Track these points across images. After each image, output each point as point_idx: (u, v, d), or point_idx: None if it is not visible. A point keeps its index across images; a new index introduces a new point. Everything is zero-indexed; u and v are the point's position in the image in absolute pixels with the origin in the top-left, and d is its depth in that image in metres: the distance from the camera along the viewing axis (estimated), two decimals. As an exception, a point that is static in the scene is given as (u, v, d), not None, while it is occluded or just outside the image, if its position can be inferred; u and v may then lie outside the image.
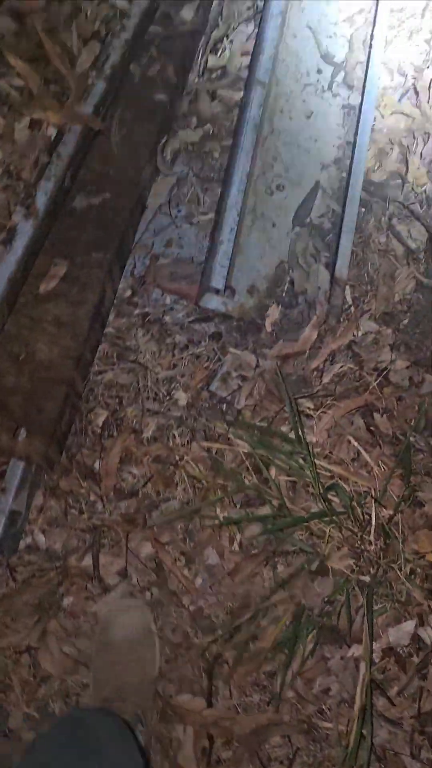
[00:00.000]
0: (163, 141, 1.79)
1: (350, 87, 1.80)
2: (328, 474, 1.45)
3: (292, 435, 1.46)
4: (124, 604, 1.41)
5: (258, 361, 1.58)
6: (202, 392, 1.59)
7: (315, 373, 1.57)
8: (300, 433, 1.42)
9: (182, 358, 1.64)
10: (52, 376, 1.44)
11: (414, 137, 1.70)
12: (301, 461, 1.45)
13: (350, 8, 1.89)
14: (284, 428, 1.51)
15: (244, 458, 1.49)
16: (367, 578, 1.38)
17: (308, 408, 1.53)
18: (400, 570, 1.38)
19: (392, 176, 1.68)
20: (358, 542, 1.41)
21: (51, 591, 1.43)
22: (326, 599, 1.37)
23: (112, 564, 1.46)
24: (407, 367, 1.56)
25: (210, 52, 1.87)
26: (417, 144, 1.69)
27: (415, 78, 1.79)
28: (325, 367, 1.57)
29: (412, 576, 1.39)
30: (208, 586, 1.44)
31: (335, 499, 1.45)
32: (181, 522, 1.48)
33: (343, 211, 1.58)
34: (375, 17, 1.81)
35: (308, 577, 1.39)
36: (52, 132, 1.64)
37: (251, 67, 1.73)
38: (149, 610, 1.40)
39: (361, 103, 1.69)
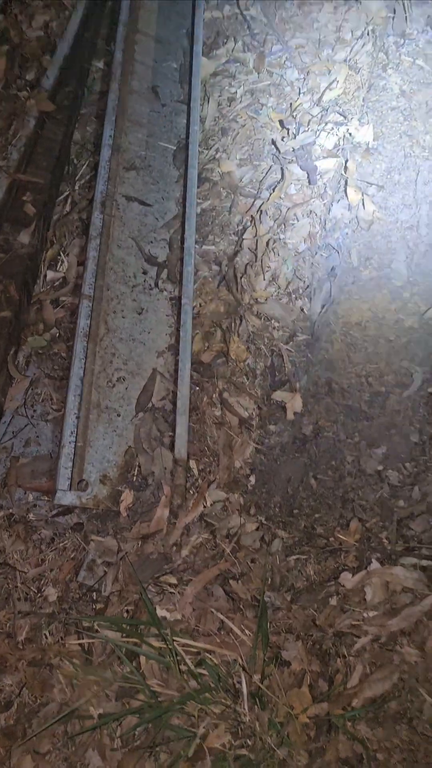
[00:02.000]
0: (13, 351, 1.96)
1: (174, 282, 2.06)
2: (194, 651, 1.51)
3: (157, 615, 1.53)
4: None
5: (119, 545, 1.67)
6: (71, 584, 1.65)
7: (174, 548, 1.67)
8: (154, 617, 1.49)
9: (49, 552, 1.71)
10: None
11: (232, 318, 1.96)
12: (170, 646, 1.51)
13: (166, 216, 2.21)
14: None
15: (113, 649, 1.53)
16: (244, 752, 1.41)
17: (170, 584, 1.61)
18: (277, 735, 1.42)
19: (218, 355, 1.91)
20: (233, 715, 1.45)
21: None
22: (207, 784, 1.38)
23: (-8, 790, 1.42)
24: (257, 529, 1.69)
25: (49, 267, 2.11)
26: (235, 324, 1.94)
27: (227, 267, 2.08)
28: (182, 540, 1.68)
29: (289, 739, 1.43)
30: (93, 793, 1.42)
31: (208, 675, 1.50)
32: (62, 726, 1.48)
33: (175, 394, 1.77)
34: (183, 221, 2.11)
35: (188, 763, 1.41)
36: None
37: (81, 281, 1.96)
38: None
39: (180, 295, 1.94)
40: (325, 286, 2.16)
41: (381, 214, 2.40)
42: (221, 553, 1.65)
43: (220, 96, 2.56)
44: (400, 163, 2.56)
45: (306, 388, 2.01)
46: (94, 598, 1.64)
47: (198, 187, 2.30)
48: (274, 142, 2.30)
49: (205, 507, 1.70)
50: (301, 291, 2.08)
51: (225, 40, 2.71)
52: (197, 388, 1.85)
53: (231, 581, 1.60)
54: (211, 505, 1.70)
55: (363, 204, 2.38)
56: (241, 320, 1.92)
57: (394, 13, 2.87)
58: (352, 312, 2.19)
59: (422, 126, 2.68)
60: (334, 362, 2.10)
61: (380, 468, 1.86)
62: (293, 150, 2.27)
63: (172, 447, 1.72)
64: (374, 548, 1.64)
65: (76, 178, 2.35)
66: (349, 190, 2.33)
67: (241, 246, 2.09)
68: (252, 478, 1.79)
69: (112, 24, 2.64)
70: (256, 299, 1.96)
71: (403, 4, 2.92)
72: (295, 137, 2.29)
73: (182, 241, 2.04)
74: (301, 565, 1.64)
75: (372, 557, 1.60)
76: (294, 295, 2.04)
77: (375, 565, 1.58)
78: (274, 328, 1.97)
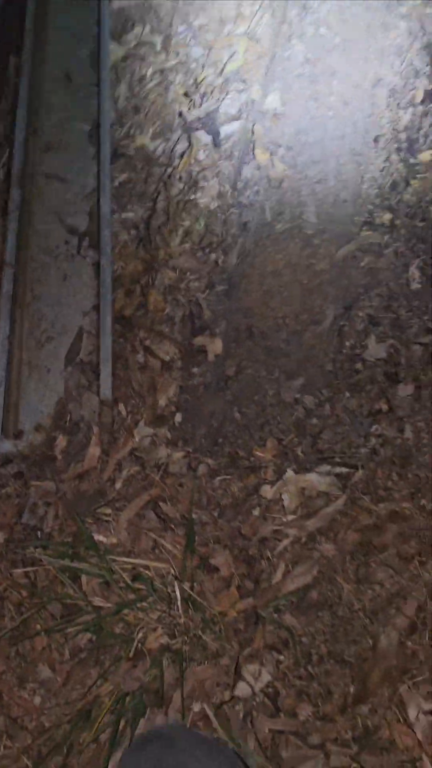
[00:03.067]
0: None
1: (95, 248, 2.20)
2: (130, 567, 1.65)
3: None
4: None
5: (57, 486, 1.80)
6: (15, 526, 1.78)
7: (108, 483, 1.81)
8: (90, 539, 1.63)
9: (-6, 501, 1.84)
10: None
11: (149, 274, 2.10)
12: (106, 564, 1.65)
13: (85, 190, 2.35)
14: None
15: (57, 575, 1.66)
16: (177, 644, 1.55)
17: (106, 514, 1.75)
18: (210, 631, 1.56)
19: (138, 308, 2.05)
20: (168, 619, 1.59)
21: None
22: (145, 676, 1.52)
23: None
24: (184, 457, 1.83)
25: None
26: (152, 279, 2.08)
27: (143, 229, 2.23)
28: (115, 475, 1.81)
29: (221, 632, 1.57)
30: (46, 701, 1.55)
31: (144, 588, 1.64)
32: (14, 647, 1.61)
33: (99, 344, 1.91)
34: (99, 193, 2.26)
35: (129, 664, 1.54)
36: None
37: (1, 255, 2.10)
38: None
39: (100, 259, 2.08)
40: (239, 240, 2.32)
41: (291, 172, 2.56)
42: (152, 482, 1.79)
43: (131, 78, 2.71)
44: (307, 124, 2.73)
45: (227, 334, 2.16)
46: (39, 536, 1.77)
47: (114, 162, 2.45)
48: (181, 114, 2.46)
49: (134, 443, 1.84)
50: (215, 245, 2.23)
51: (133, 26, 2.86)
52: (121, 340, 1.99)
53: (161, 503, 1.74)
54: (139, 440, 1.84)
55: (272, 163, 2.54)
56: (156, 274, 2.06)
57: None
58: (267, 262, 2.34)
59: (326, 89, 2.85)
60: (253, 309, 2.25)
61: (298, 396, 2.01)
62: (199, 118, 2.43)
63: (98, 392, 1.86)
64: (290, 461, 1.79)
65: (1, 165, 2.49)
66: (257, 151, 2.49)
67: (155, 210, 2.24)
68: (178, 416, 1.93)
69: (22, 18, 2.78)
70: (171, 255, 2.11)
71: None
72: (200, 107, 2.45)
73: (96, 215, 2.19)
74: (226, 485, 1.78)
75: (287, 468, 1.74)
76: (208, 249, 2.19)
77: (290, 474, 1.73)
78: (190, 279, 2.11)
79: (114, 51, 2.78)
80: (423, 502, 1.71)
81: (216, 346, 2.05)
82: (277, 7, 2.92)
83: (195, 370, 2.03)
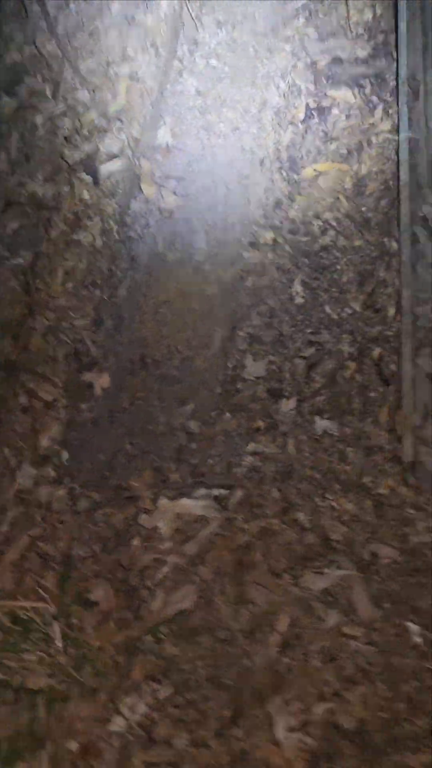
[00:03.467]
0: None
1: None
2: (8, 611, 1.66)
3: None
4: None
5: None
6: None
7: (-6, 526, 1.83)
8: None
9: None
10: None
11: (30, 319, 2.15)
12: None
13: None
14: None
15: None
16: (55, 684, 1.55)
17: (-10, 558, 1.76)
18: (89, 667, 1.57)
19: (21, 352, 2.09)
20: (48, 659, 1.59)
21: None
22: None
23: None
24: (66, 493, 1.86)
25: None
26: (33, 322, 2.13)
27: (25, 275, 2.28)
28: (0, 519, 1.83)
29: (100, 667, 1.58)
30: None
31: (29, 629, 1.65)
32: None
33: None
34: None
35: (7, 708, 1.55)
36: None
37: None
38: None
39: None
40: (129, 274, 2.37)
41: (183, 201, 2.62)
42: (35, 521, 1.80)
43: (23, 127, 2.79)
44: (199, 154, 2.80)
45: (120, 367, 2.19)
46: None
47: (6, 210, 2.51)
48: (62, 157, 2.53)
49: (18, 485, 1.86)
50: (100, 282, 2.27)
51: (24, 77, 2.95)
52: (5, 385, 2.03)
53: (41, 543, 1.75)
54: (23, 482, 1.87)
55: (162, 196, 2.60)
56: (36, 317, 2.11)
57: (183, 24, 3.15)
58: (159, 292, 2.39)
59: (217, 118, 2.93)
60: (146, 338, 2.29)
61: (186, 421, 2.04)
62: (81, 160, 2.49)
63: (-21, 438, 1.89)
64: (168, 488, 1.81)
65: None
66: (143, 185, 2.56)
67: (38, 254, 2.29)
68: (64, 453, 1.95)
69: None
70: (51, 295, 2.16)
71: (190, 14, 3.19)
72: (80, 149, 2.52)
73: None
74: (107, 517, 1.80)
75: (162, 496, 1.76)
76: (92, 287, 2.24)
77: (164, 501, 1.75)
78: (73, 318, 2.16)
79: (7, 103, 2.86)
80: (297, 515, 1.73)
81: (103, 381, 2.08)
82: (163, 45, 3.01)
83: (83, 406, 2.06)
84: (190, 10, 3.22)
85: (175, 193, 2.63)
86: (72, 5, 3.21)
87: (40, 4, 3.22)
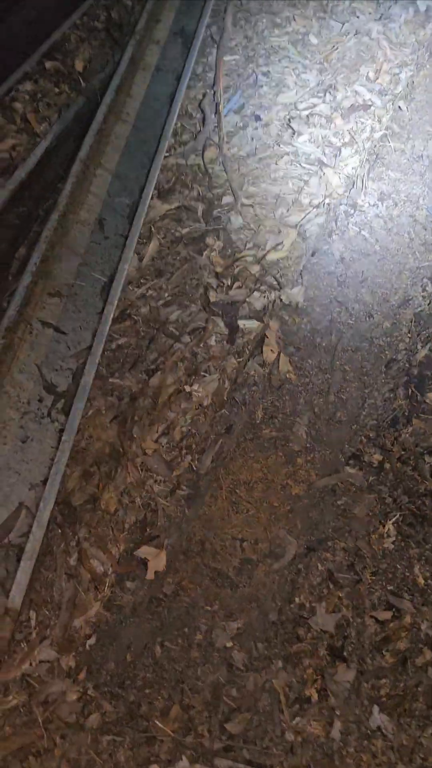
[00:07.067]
0: None
1: (67, 414, 2.06)
2: None
3: None
4: None
5: None
6: None
7: (-13, 706, 1.58)
8: None
9: None
10: None
11: (113, 464, 1.95)
12: None
13: (79, 345, 2.24)
14: None
15: None
16: None
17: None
18: None
19: (89, 500, 1.88)
20: None
21: None
22: None
23: None
24: (78, 699, 1.61)
25: None
26: (113, 471, 1.93)
27: (126, 405, 2.10)
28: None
29: None
30: None
31: None
32: None
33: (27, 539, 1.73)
34: (87, 355, 2.15)
35: None
36: None
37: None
38: None
39: (65, 425, 1.96)
40: (219, 441, 2.18)
41: (294, 375, 2.46)
42: (33, 722, 1.55)
43: (164, 237, 2.68)
44: (324, 327, 2.66)
45: (178, 544, 1.97)
46: None
47: (120, 323, 2.36)
48: (206, 290, 2.38)
49: (31, 665, 1.62)
50: (194, 447, 2.08)
51: (182, 187, 2.86)
52: (59, 531, 1.81)
53: (31, 757, 1.49)
54: (36, 664, 1.62)
55: (278, 362, 2.44)
56: (119, 469, 1.91)
57: (353, 185, 3.07)
58: (242, 469, 2.19)
59: (353, 294, 2.80)
60: (213, 520, 2.08)
61: (229, 645, 1.80)
62: (222, 303, 2.34)
63: (8, 593, 1.66)
64: (191, 742, 1.55)
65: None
66: (265, 348, 2.40)
67: (146, 386, 2.11)
68: (93, 639, 1.71)
69: (71, 159, 2.79)
70: (143, 449, 1.96)
71: (362, 177, 3.13)
72: (226, 292, 2.38)
73: (81, 375, 2.08)
74: (113, 749, 1.54)
75: (183, 755, 1.51)
76: (185, 451, 2.05)
77: (184, 763, 1.49)
78: (155, 481, 1.96)
79: (155, 207, 2.76)
80: None
81: (159, 563, 1.86)
82: (333, 206, 2.92)
83: (129, 584, 1.83)
84: (365, 172, 3.16)
85: (290, 363, 2.48)
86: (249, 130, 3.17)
87: (216, 118, 3.20)
